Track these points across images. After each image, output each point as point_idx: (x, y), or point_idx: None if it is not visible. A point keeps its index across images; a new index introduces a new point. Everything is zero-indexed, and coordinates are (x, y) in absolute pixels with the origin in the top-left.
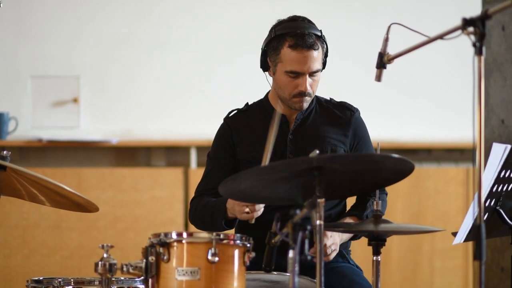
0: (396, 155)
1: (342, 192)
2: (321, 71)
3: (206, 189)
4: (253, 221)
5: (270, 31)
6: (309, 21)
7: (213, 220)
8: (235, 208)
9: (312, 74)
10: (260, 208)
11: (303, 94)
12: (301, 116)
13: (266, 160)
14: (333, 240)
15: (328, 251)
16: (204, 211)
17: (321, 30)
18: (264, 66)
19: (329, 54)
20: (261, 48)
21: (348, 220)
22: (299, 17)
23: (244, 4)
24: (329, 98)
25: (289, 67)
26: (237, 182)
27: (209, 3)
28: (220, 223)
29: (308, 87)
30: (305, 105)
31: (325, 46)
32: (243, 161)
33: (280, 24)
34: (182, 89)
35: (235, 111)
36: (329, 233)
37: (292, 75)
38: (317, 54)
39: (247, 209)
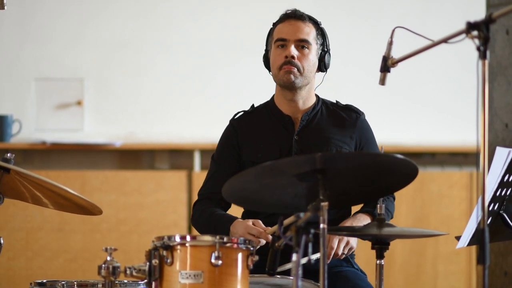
0: (399, 156)
1: (347, 199)
2: (319, 60)
3: (209, 193)
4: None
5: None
6: (308, 15)
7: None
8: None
9: (300, 44)
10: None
11: (288, 62)
12: (307, 117)
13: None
14: (347, 238)
15: (342, 250)
16: (208, 223)
17: (320, 22)
18: (267, 63)
19: (333, 57)
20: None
21: (361, 215)
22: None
23: (247, 7)
24: (335, 101)
25: (277, 36)
26: (241, 183)
27: (212, 6)
28: None
29: (294, 54)
30: (293, 78)
31: (321, 32)
32: (249, 162)
33: None
34: (186, 92)
35: (241, 113)
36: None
37: (281, 43)
38: (305, 27)
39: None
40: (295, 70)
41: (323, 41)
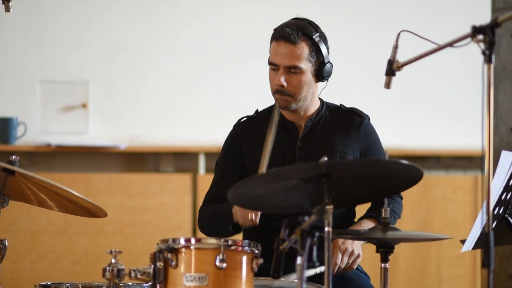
0: (404, 161)
1: (352, 199)
2: (316, 75)
3: (214, 198)
4: (257, 222)
5: None
6: (310, 22)
7: (220, 227)
8: (238, 213)
9: (290, 70)
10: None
11: (279, 91)
12: (310, 123)
13: (264, 166)
14: (351, 249)
15: (346, 262)
16: (212, 218)
17: (320, 33)
18: None
19: (338, 61)
20: None
21: (366, 221)
22: (300, 17)
23: (251, 9)
24: (339, 104)
25: (270, 58)
26: (246, 188)
27: (216, 9)
28: (228, 228)
29: (283, 82)
30: (286, 104)
31: (316, 47)
32: (252, 168)
33: None
34: (191, 95)
35: (245, 118)
36: (345, 244)
37: (273, 67)
38: (295, 49)
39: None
40: (288, 97)
41: (319, 55)
